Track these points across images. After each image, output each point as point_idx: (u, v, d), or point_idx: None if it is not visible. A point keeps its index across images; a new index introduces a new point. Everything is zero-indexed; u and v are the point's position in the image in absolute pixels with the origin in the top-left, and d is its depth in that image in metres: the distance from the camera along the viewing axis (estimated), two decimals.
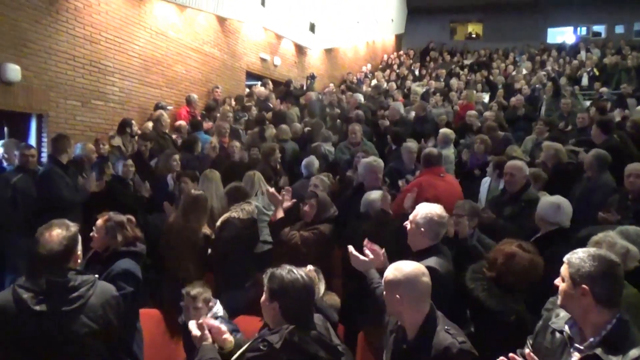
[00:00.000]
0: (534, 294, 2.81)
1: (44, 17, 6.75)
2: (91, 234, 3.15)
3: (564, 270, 2.04)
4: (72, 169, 5.27)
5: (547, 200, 3.75)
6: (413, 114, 8.86)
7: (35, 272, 2.44)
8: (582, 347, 1.95)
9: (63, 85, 7.10)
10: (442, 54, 19.26)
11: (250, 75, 12.49)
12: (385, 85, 13.57)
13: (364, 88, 14.11)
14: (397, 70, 16.91)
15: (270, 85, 11.69)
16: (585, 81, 13.45)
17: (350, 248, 3.06)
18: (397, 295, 2.27)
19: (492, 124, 7.21)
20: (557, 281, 2.07)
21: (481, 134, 6.81)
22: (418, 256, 2.86)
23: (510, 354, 1.96)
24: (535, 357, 1.95)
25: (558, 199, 3.69)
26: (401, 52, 20.69)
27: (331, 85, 13.23)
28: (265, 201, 5.03)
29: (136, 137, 7.21)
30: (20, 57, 6.40)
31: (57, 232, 2.49)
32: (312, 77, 12.38)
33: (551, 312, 2.28)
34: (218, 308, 3.47)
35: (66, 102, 7.17)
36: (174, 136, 7.79)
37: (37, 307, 2.35)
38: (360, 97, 9.79)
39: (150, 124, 7.89)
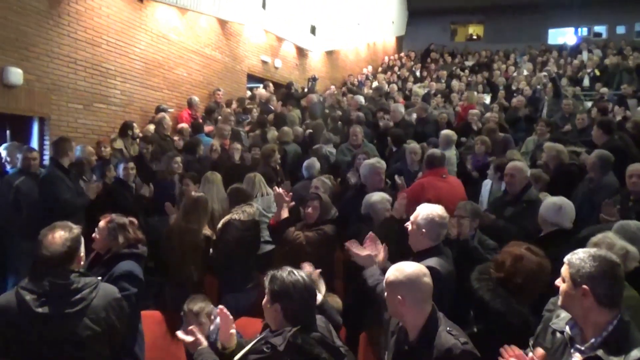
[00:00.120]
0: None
1: (46, 20, 6.77)
2: (93, 235, 3.15)
3: (564, 270, 2.04)
4: (73, 172, 5.28)
5: (549, 201, 3.75)
6: (414, 115, 8.86)
7: (38, 274, 2.44)
8: (583, 348, 1.95)
9: (65, 88, 7.12)
10: (442, 56, 19.27)
11: (252, 78, 12.51)
12: (386, 87, 13.57)
13: (365, 90, 14.10)
14: (398, 72, 16.91)
15: (271, 88, 11.71)
16: (586, 82, 13.44)
17: (349, 244, 3.07)
18: (399, 296, 2.27)
19: (492, 125, 7.21)
20: (558, 282, 2.06)
21: (481, 135, 6.81)
22: (419, 257, 2.87)
23: (512, 346, 1.95)
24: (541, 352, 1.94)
25: (561, 200, 3.68)
26: (402, 54, 20.70)
27: (332, 87, 13.21)
28: (264, 203, 5.04)
29: (138, 140, 7.23)
30: (22, 61, 6.42)
31: (60, 234, 2.49)
32: (313, 79, 12.38)
33: (552, 312, 2.28)
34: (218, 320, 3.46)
35: (68, 105, 7.19)
36: (175, 138, 7.81)
37: (40, 310, 2.35)
38: (361, 99, 9.78)
39: (151, 127, 7.91)
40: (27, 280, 2.44)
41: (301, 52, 14.74)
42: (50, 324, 2.37)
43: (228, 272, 4.36)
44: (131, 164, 5.66)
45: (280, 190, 4.20)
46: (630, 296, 2.47)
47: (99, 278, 2.71)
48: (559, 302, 2.07)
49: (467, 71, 16.30)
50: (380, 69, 17.95)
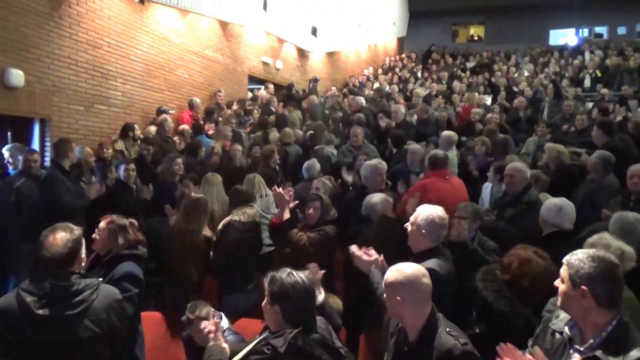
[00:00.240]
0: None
1: (47, 22, 6.79)
2: (93, 235, 3.15)
3: (563, 271, 2.03)
4: (74, 174, 5.29)
5: (550, 201, 3.75)
6: (415, 117, 8.86)
7: (38, 275, 2.44)
8: (582, 349, 1.95)
9: (66, 90, 7.13)
10: (444, 57, 19.27)
11: (253, 79, 12.51)
12: (387, 88, 13.57)
13: (366, 91, 14.11)
14: (399, 73, 16.91)
15: (271, 89, 11.71)
16: (587, 83, 13.43)
17: (353, 248, 3.08)
18: (398, 297, 2.27)
19: (492, 127, 7.21)
20: (557, 282, 2.06)
21: (481, 136, 6.82)
22: (419, 258, 2.86)
23: (509, 344, 1.95)
24: (539, 352, 1.94)
25: (562, 201, 3.68)
26: (403, 55, 20.70)
27: (333, 88, 13.23)
28: (263, 204, 5.05)
29: (138, 141, 7.24)
30: (23, 62, 6.44)
31: (61, 236, 2.49)
32: (314, 81, 12.39)
33: (552, 313, 2.27)
34: (224, 322, 3.47)
35: (69, 107, 7.20)
36: (176, 140, 7.82)
37: (40, 311, 2.35)
38: (362, 100, 9.77)
39: (152, 128, 7.93)
40: (28, 282, 2.44)
41: (302, 54, 14.75)
42: (50, 325, 2.37)
43: (228, 274, 4.37)
44: (132, 166, 5.67)
45: (280, 190, 4.19)
46: (627, 297, 2.46)
47: (100, 279, 2.71)
48: (558, 303, 2.07)
49: (468, 72, 16.30)
50: (380, 71, 17.94)
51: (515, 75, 14.27)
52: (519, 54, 17.83)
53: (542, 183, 4.97)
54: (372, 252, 3.04)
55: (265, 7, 11.93)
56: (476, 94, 11.34)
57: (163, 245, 4.48)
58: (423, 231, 2.97)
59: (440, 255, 2.96)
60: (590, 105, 10.57)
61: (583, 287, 1.93)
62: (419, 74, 16.59)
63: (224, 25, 10.97)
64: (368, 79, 16.50)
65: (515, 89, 11.93)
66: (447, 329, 2.26)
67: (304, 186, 5.52)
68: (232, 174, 5.80)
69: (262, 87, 12.03)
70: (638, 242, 3.25)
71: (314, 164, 5.91)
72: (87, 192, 5.24)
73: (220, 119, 8.98)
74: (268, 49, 12.97)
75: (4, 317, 2.37)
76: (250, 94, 12.08)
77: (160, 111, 8.51)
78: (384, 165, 5.09)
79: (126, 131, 7.42)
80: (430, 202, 3.50)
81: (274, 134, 8.00)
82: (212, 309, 3.48)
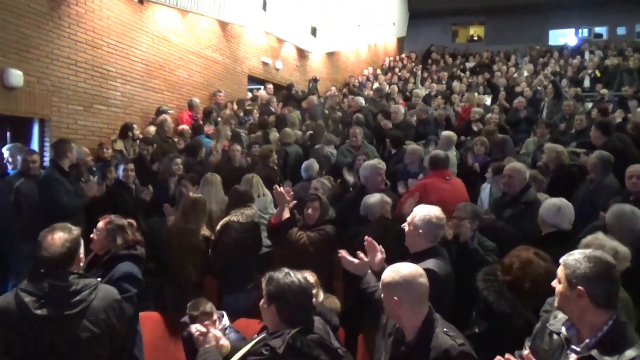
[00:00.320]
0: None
1: (46, 22, 6.79)
2: (91, 235, 3.15)
3: (560, 271, 2.04)
4: (73, 174, 5.29)
5: (549, 202, 3.75)
6: (415, 117, 8.87)
7: (37, 275, 2.44)
8: (578, 349, 1.95)
9: (65, 90, 7.13)
10: (444, 57, 19.27)
11: (252, 79, 12.52)
12: (387, 88, 13.57)
13: (366, 91, 14.11)
14: (399, 74, 16.92)
15: (271, 89, 11.71)
16: (587, 83, 13.42)
17: (342, 252, 3.07)
18: (395, 297, 2.27)
19: (491, 127, 7.21)
20: (554, 283, 2.06)
21: (480, 136, 6.82)
22: (416, 258, 2.86)
23: (507, 354, 1.96)
24: (533, 358, 1.94)
25: (560, 201, 3.68)
26: (403, 55, 20.70)
27: (333, 88, 13.23)
28: (260, 204, 5.05)
29: (138, 142, 7.24)
30: (22, 63, 6.44)
31: (60, 236, 2.49)
32: (314, 81, 12.39)
33: (549, 313, 2.27)
34: (225, 320, 3.48)
35: (68, 107, 7.20)
36: (176, 140, 7.82)
37: (39, 311, 2.36)
38: (362, 100, 9.78)
39: (152, 128, 7.93)
40: (27, 282, 2.44)
41: (302, 54, 14.75)
42: (49, 325, 2.37)
43: (228, 274, 4.37)
44: (131, 166, 5.67)
45: (281, 189, 4.19)
46: (621, 298, 2.46)
47: (99, 279, 2.71)
48: (556, 303, 2.07)
49: (467, 72, 16.30)
50: (379, 71, 17.95)
51: (515, 75, 14.27)
52: (518, 54, 17.84)
53: (539, 183, 4.97)
54: (375, 245, 3.03)
55: (264, 7, 11.93)
56: (476, 94, 11.34)
57: (162, 245, 4.48)
58: (420, 231, 2.97)
59: (437, 256, 2.96)
60: (589, 105, 10.58)
61: (579, 287, 1.94)
62: (419, 74, 16.59)
63: (223, 25, 10.97)
64: (368, 79, 16.50)
65: (515, 89, 11.92)
66: (445, 329, 2.26)
67: (302, 186, 5.52)
68: (231, 174, 5.80)
69: (262, 87, 12.04)
70: (632, 233, 3.36)
71: (313, 164, 5.92)
72: (87, 191, 5.24)
73: (219, 119, 8.98)
74: (268, 49, 12.97)
75: (3, 317, 2.37)
76: (249, 94, 12.08)
77: (159, 111, 8.51)
78: (383, 165, 5.10)
79: (125, 131, 7.42)
80: (430, 202, 3.50)
81: (274, 134, 8.00)
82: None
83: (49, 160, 6.18)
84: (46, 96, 6.83)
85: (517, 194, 4.37)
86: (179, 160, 6.00)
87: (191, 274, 4.34)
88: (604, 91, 11.54)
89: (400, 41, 23.08)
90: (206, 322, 3.08)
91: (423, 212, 3.01)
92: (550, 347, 2.09)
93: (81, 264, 2.68)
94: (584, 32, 21.81)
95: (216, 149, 6.98)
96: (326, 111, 9.85)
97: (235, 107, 10.33)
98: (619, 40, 17.99)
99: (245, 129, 8.87)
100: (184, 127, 8.17)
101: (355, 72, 17.68)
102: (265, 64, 12.78)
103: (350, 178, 5.67)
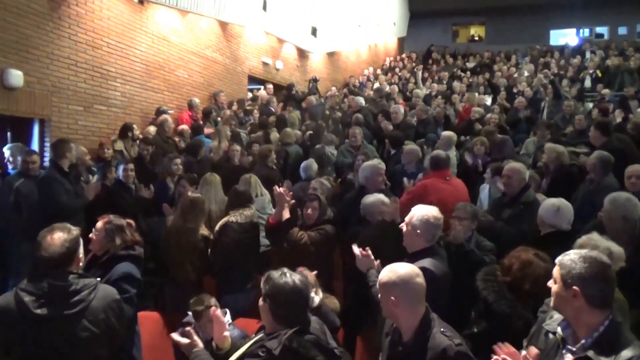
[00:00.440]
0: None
1: (47, 23, 6.79)
2: (90, 235, 3.14)
3: (555, 272, 2.04)
4: (72, 174, 5.29)
5: (548, 202, 3.75)
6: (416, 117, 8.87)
7: (37, 275, 2.45)
8: (574, 349, 1.95)
9: (65, 90, 7.14)
10: (444, 57, 19.26)
11: (252, 80, 12.52)
12: (387, 88, 13.57)
13: (367, 91, 14.11)
14: (399, 74, 16.91)
15: (271, 89, 11.71)
16: (587, 83, 13.41)
17: (354, 247, 3.08)
18: (392, 297, 2.27)
19: (490, 127, 7.21)
20: (550, 283, 2.07)
21: (480, 136, 6.82)
22: (414, 258, 2.87)
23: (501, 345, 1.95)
24: (534, 351, 1.94)
25: (559, 201, 3.68)
26: (403, 55, 20.69)
27: (333, 88, 13.23)
28: (258, 204, 5.06)
29: (138, 142, 7.24)
30: (22, 63, 6.44)
31: (59, 236, 2.50)
32: (314, 81, 12.39)
33: (546, 314, 2.27)
34: (228, 317, 3.49)
35: (68, 107, 7.20)
36: (176, 140, 7.83)
37: (39, 311, 2.36)
38: (362, 100, 9.78)
39: (152, 128, 7.94)
40: (26, 282, 2.44)
41: (302, 54, 14.75)
42: (49, 325, 2.38)
43: (226, 274, 4.38)
44: (130, 166, 5.68)
45: (280, 189, 4.19)
46: (616, 298, 2.46)
47: (98, 279, 2.71)
48: (551, 304, 2.07)
49: (468, 72, 16.28)
50: (380, 71, 17.94)
51: (515, 75, 14.26)
52: (519, 54, 17.83)
53: (535, 183, 4.97)
54: (369, 252, 3.05)
55: (265, 7, 11.93)
56: (476, 94, 11.34)
57: (162, 245, 4.49)
58: (418, 231, 2.97)
59: (435, 255, 2.96)
60: (590, 105, 10.57)
61: (574, 287, 1.94)
62: (419, 74, 16.58)
63: (223, 25, 10.97)
64: (368, 79, 16.50)
65: (515, 89, 11.92)
66: (442, 329, 2.26)
67: (301, 186, 5.53)
68: (230, 173, 5.80)
69: (262, 87, 12.04)
70: (625, 220, 3.45)
71: (311, 164, 5.92)
72: (87, 192, 5.25)
73: (219, 118, 8.99)
74: (268, 49, 12.97)
75: (2, 317, 2.38)
76: (250, 94, 12.09)
77: (159, 111, 8.51)
78: (383, 165, 5.11)
79: (125, 131, 7.42)
80: (431, 202, 3.51)
81: (274, 134, 8.01)
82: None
83: (49, 160, 6.19)
84: (46, 96, 6.83)
85: (517, 194, 4.37)
86: (178, 161, 6.02)
87: (189, 273, 4.35)
88: (606, 91, 11.52)
89: (401, 41, 23.08)
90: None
91: (421, 212, 3.02)
92: (546, 346, 2.10)
93: (80, 264, 2.68)
94: (585, 32, 21.80)
95: (217, 150, 6.99)
96: (327, 112, 9.85)
97: (236, 107, 10.33)
98: (620, 40, 17.98)
99: (246, 129, 8.88)
100: (184, 127, 8.18)
101: (356, 72, 17.67)
102: (265, 64, 12.78)
103: (353, 177, 5.69)
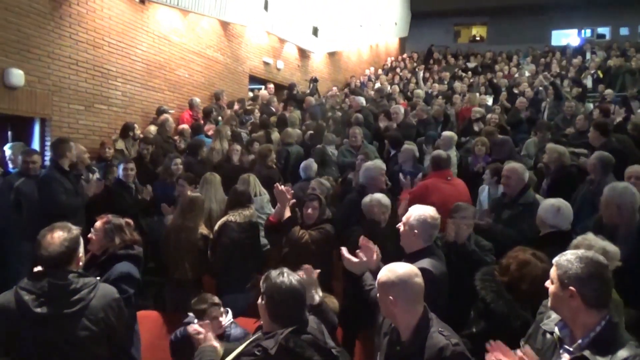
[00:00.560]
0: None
1: (48, 22, 6.81)
2: (89, 235, 3.15)
3: (552, 272, 2.04)
4: (73, 173, 5.30)
5: (548, 202, 3.73)
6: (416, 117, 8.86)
7: (37, 274, 2.45)
8: (571, 349, 1.95)
9: (66, 90, 7.15)
10: (446, 57, 19.26)
11: (253, 79, 12.54)
12: (388, 88, 13.56)
13: (368, 91, 14.10)
14: (400, 74, 16.91)
15: (272, 89, 11.72)
16: (589, 83, 13.40)
17: (343, 250, 3.08)
18: (391, 297, 2.28)
19: (490, 128, 7.20)
20: (547, 283, 2.07)
21: (481, 136, 6.81)
22: (411, 258, 2.87)
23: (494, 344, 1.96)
24: (530, 351, 1.94)
25: (559, 201, 3.67)
26: (405, 55, 20.69)
27: (334, 88, 13.23)
28: (257, 203, 5.06)
29: (138, 141, 7.25)
30: (23, 62, 6.46)
31: (59, 235, 2.51)
32: (314, 81, 12.38)
33: (544, 314, 2.27)
34: (230, 316, 3.50)
35: (69, 107, 7.22)
36: (177, 139, 7.84)
37: (38, 310, 2.37)
38: (362, 100, 9.77)
39: (152, 128, 7.95)
40: (26, 280, 2.45)
41: (303, 54, 14.76)
42: (48, 324, 2.38)
43: (226, 274, 4.38)
44: (131, 165, 5.68)
45: (282, 188, 4.20)
46: (612, 299, 2.47)
47: (98, 278, 2.71)
48: (549, 304, 2.08)
49: (469, 72, 16.27)
50: (381, 71, 17.94)
51: (516, 75, 14.25)
52: (521, 55, 17.82)
53: (533, 184, 4.96)
54: (370, 244, 3.04)
55: (266, 7, 11.94)
56: (477, 95, 11.32)
57: (162, 245, 4.50)
58: (415, 231, 2.97)
59: (433, 255, 2.96)
60: (591, 106, 10.55)
61: (571, 287, 1.94)
62: (421, 74, 16.57)
63: (224, 25, 10.98)
64: (369, 79, 16.49)
65: (516, 90, 11.91)
66: (439, 329, 2.26)
67: (301, 186, 5.53)
68: (231, 173, 5.81)
69: (263, 87, 12.04)
70: (620, 208, 3.53)
71: (311, 164, 5.92)
72: (87, 190, 5.25)
73: (220, 118, 8.99)
74: (269, 49, 12.98)
75: (2, 315, 2.38)
76: (250, 94, 12.09)
77: (160, 111, 8.53)
78: (384, 165, 5.12)
79: (126, 131, 7.43)
80: (432, 203, 3.50)
81: (276, 135, 8.02)
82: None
83: (49, 159, 6.20)
84: (47, 96, 6.85)
85: (516, 195, 4.37)
86: (178, 160, 6.02)
87: (187, 271, 4.36)
88: (608, 91, 11.49)
89: (402, 41, 23.09)
90: (214, 314, 3.17)
91: (418, 212, 3.02)
92: (543, 346, 2.10)
93: (80, 263, 2.69)
94: (587, 32, 21.76)
95: (217, 150, 7.00)
96: (329, 113, 9.85)
97: (236, 106, 10.34)
98: (621, 41, 17.96)
99: (246, 128, 8.88)
100: (184, 126, 8.19)
101: (357, 72, 17.68)
102: (266, 63, 12.79)
103: (353, 177, 5.70)
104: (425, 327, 2.28)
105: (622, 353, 1.83)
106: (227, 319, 3.42)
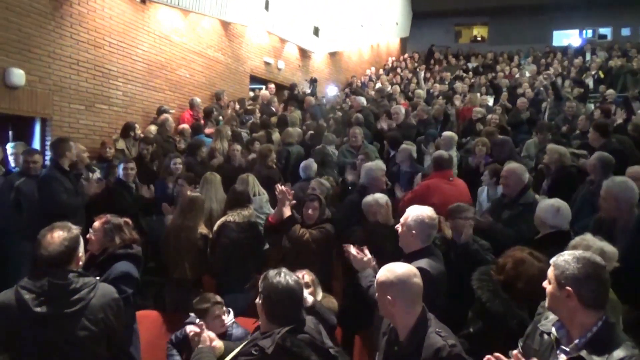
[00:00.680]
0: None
1: (49, 22, 6.82)
2: (88, 235, 3.13)
3: (550, 272, 2.05)
4: (73, 173, 5.30)
5: (547, 203, 3.73)
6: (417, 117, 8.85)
7: (37, 273, 2.45)
8: (568, 349, 1.96)
9: (67, 90, 7.16)
10: (447, 57, 19.25)
11: (254, 79, 12.54)
12: (388, 88, 13.56)
13: (368, 92, 14.10)
14: (401, 74, 16.91)
15: (273, 89, 11.72)
16: (590, 84, 13.37)
17: (349, 246, 3.09)
18: (389, 297, 2.28)
19: (491, 128, 7.19)
20: (545, 283, 2.07)
21: (481, 137, 6.81)
22: (410, 258, 2.87)
23: (496, 354, 1.96)
24: (521, 357, 1.94)
25: (557, 201, 3.67)
26: (406, 56, 20.69)
27: (335, 87, 13.25)
28: (256, 203, 5.06)
29: (139, 141, 7.26)
30: (24, 62, 6.48)
31: (59, 234, 2.51)
32: (313, 81, 12.38)
33: (542, 315, 2.28)
34: (231, 316, 3.50)
35: (70, 106, 7.23)
36: (177, 139, 7.84)
37: (38, 309, 2.37)
38: (363, 100, 9.77)
39: (152, 128, 7.95)
40: (27, 279, 2.45)
41: (304, 54, 14.76)
42: (48, 323, 2.38)
43: (226, 274, 4.39)
44: (131, 164, 5.68)
45: (282, 188, 4.20)
46: (609, 299, 2.46)
47: (97, 278, 2.72)
48: (546, 304, 2.08)
49: (470, 73, 16.27)
50: (382, 71, 17.93)
51: (517, 76, 14.24)
52: (522, 55, 17.81)
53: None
54: (367, 251, 3.06)
55: (267, 7, 11.95)
56: (478, 95, 11.32)
57: (162, 244, 4.50)
58: (413, 232, 2.98)
59: (431, 255, 2.97)
60: (592, 106, 10.53)
61: (568, 288, 1.94)
62: (422, 75, 16.57)
63: (225, 25, 10.99)
64: (370, 79, 16.49)
65: (518, 90, 11.90)
66: (437, 330, 2.27)
67: (301, 186, 5.53)
68: (231, 173, 5.81)
69: (264, 87, 12.05)
70: (617, 201, 3.57)
71: (311, 164, 5.92)
72: (87, 190, 5.26)
73: (220, 117, 8.99)
74: (270, 49, 12.98)
75: (2, 314, 2.38)
76: (251, 94, 12.09)
77: (160, 111, 8.53)
78: (384, 166, 5.13)
79: (127, 131, 7.44)
80: (433, 203, 3.52)
81: (276, 135, 8.02)
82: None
83: (49, 159, 6.21)
84: (48, 95, 6.86)
85: (516, 195, 4.37)
86: (178, 160, 6.02)
87: (186, 270, 4.36)
88: (610, 92, 11.47)
89: (403, 41, 23.08)
90: (217, 313, 3.20)
91: (416, 212, 3.03)
92: (540, 347, 2.11)
93: (80, 263, 2.69)
94: (588, 33, 21.74)
95: (218, 150, 7.00)
96: (330, 114, 9.85)
97: (237, 106, 10.34)
98: (623, 42, 17.94)
99: (247, 127, 8.89)
100: (184, 126, 8.20)
101: (358, 72, 17.68)
102: (267, 63, 12.80)
103: (350, 177, 5.69)
104: (423, 327, 2.28)
105: (619, 353, 1.83)
106: (229, 318, 3.43)
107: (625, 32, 20.50)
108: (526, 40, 19.60)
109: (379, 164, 5.10)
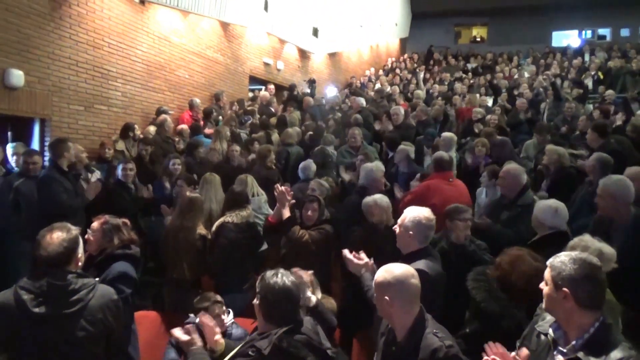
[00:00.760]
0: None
1: (48, 23, 6.82)
2: (86, 236, 3.13)
3: (546, 273, 2.05)
4: (72, 173, 5.30)
5: (545, 203, 3.73)
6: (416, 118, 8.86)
7: (36, 274, 2.45)
8: (565, 350, 1.96)
9: (66, 90, 7.16)
10: (446, 58, 19.26)
11: (254, 80, 12.54)
12: (388, 89, 13.56)
13: (367, 92, 14.10)
14: (401, 74, 16.91)
15: (272, 89, 11.73)
16: (589, 85, 13.38)
17: (345, 251, 3.09)
18: (387, 297, 2.29)
19: (489, 129, 7.20)
20: (542, 285, 2.08)
21: (481, 137, 6.81)
22: (408, 259, 2.87)
23: (495, 349, 1.96)
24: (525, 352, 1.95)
25: (555, 202, 3.67)
26: (405, 56, 20.70)
27: (335, 89, 13.25)
28: (255, 204, 5.07)
29: (138, 141, 7.26)
30: (23, 63, 6.47)
31: (58, 235, 2.51)
32: (312, 82, 12.38)
33: (539, 316, 2.28)
34: (231, 316, 3.51)
35: (69, 107, 7.23)
36: (176, 139, 7.85)
37: (37, 309, 2.37)
38: (363, 101, 9.77)
39: (152, 128, 7.95)
40: (26, 279, 2.45)
41: (303, 54, 14.77)
42: (46, 323, 2.39)
43: (224, 274, 4.39)
44: (130, 165, 5.68)
45: (282, 188, 4.20)
46: (607, 300, 2.46)
47: (97, 279, 2.72)
48: (543, 305, 2.09)
49: (470, 73, 16.27)
50: (381, 71, 17.94)
51: (516, 76, 14.25)
52: (521, 55, 17.82)
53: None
54: (363, 255, 3.06)
55: (266, 8, 11.96)
56: (477, 96, 11.32)
57: (161, 245, 4.51)
58: (411, 233, 2.99)
59: (429, 256, 2.98)
60: (591, 107, 10.53)
61: (565, 289, 1.95)
62: (421, 75, 16.57)
63: (225, 25, 10.99)
64: (370, 79, 16.50)
65: (516, 91, 11.90)
66: (434, 330, 2.27)
67: (300, 187, 5.53)
68: (230, 173, 5.81)
69: (263, 87, 12.05)
70: (614, 198, 3.58)
71: (310, 164, 5.92)
72: (87, 192, 5.26)
73: (220, 117, 8.99)
74: (269, 50, 12.98)
75: (2, 313, 2.38)
76: (251, 94, 12.09)
77: (159, 111, 8.53)
78: (382, 167, 5.13)
79: (126, 131, 7.44)
80: (433, 204, 3.52)
81: (276, 136, 8.02)
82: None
83: (48, 160, 6.21)
84: (47, 96, 6.86)
85: (514, 196, 4.37)
86: (177, 161, 6.02)
87: (185, 270, 4.36)
88: (610, 92, 11.47)
89: (403, 42, 23.10)
90: (217, 312, 3.20)
91: (413, 213, 3.04)
92: (537, 348, 2.11)
93: (80, 264, 2.69)
94: (588, 33, 21.75)
95: (217, 150, 7.00)
96: (330, 115, 9.85)
97: (236, 107, 10.34)
98: (622, 42, 17.95)
99: (246, 128, 8.89)
100: (183, 126, 8.20)
101: (357, 73, 17.69)
102: (266, 64, 12.80)
103: (346, 176, 5.69)
104: (420, 327, 2.29)
105: (615, 354, 1.84)
106: (228, 318, 3.43)
107: (625, 32, 20.52)
108: (525, 41, 19.62)
109: (378, 165, 5.12)
